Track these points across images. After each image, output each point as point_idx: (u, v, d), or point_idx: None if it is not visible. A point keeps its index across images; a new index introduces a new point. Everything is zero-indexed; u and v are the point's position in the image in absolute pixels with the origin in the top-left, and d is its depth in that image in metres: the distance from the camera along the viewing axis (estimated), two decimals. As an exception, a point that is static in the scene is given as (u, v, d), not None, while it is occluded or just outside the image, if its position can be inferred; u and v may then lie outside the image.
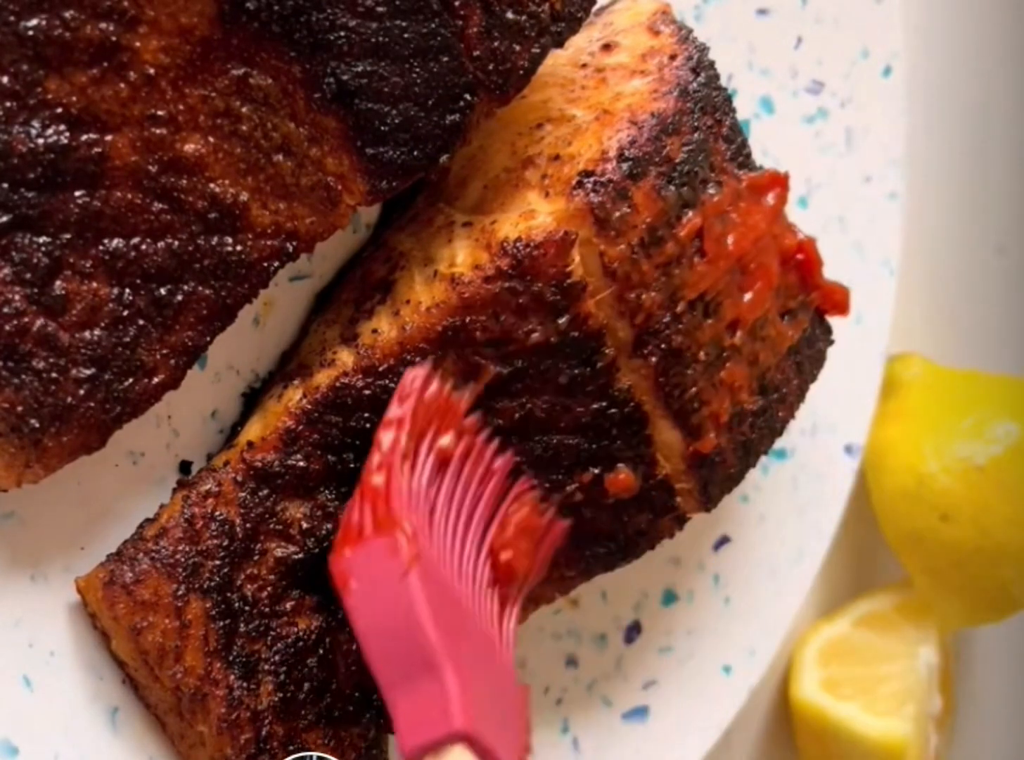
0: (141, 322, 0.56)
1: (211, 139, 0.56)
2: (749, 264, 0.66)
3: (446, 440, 0.61)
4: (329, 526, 0.63)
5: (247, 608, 0.61)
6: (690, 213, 0.64)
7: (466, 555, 0.61)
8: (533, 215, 0.62)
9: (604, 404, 0.63)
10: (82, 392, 0.55)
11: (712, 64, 0.67)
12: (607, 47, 0.67)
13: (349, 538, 0.58)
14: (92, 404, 0.56)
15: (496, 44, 0.59)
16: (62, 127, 0.53)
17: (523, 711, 0.61)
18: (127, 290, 0.56)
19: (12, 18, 0.52)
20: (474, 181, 0.66)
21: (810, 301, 0.70)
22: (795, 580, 0.80)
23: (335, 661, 0.63)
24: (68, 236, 0.54)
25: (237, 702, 0.61)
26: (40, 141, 0.53)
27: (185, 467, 0.64)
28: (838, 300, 0.71)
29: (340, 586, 0.58)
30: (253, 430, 0.63)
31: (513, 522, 0.62)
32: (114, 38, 0.53)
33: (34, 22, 0.52)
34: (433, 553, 0.58)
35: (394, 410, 0.60)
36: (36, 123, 0.53)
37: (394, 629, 0.57)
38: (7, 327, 0.53)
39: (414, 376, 0.60)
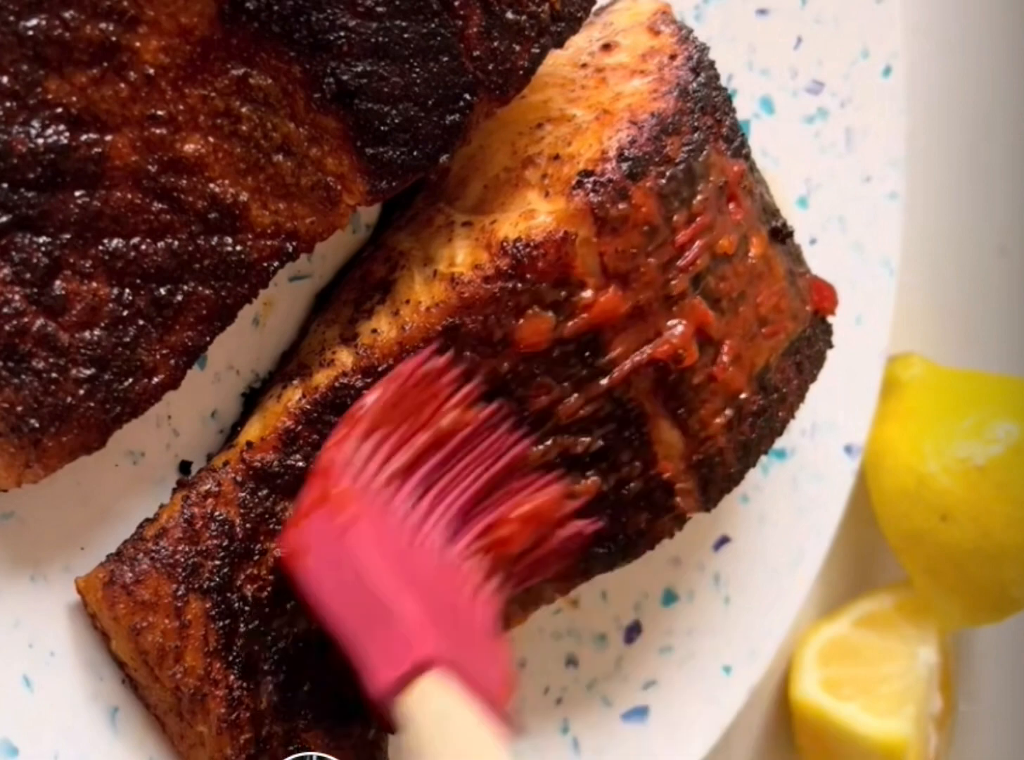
0: (141, 322, 0.56)
1: (211, 139, 0.56)
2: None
3: (448, 420, 0.61)
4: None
5: (247, 608, 0.61)
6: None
7: (444, 526, 0.61)
8: (533, 215, 0.62)
9: (603, 404, 0.63)
10: (82, 392, 0.55)
11: (712, 64, 0.67)
12: (607, 47, 0.67)
13: (293, 521, 0.59)
14: (92, 404, 0.56)
15: (496, 44, 0.59)
16: (62, 127, 0.53)
17: (504, 661, 0.61)
18: (127, 290, 0.56)
19: (12, 18, 0.52)
20: (474, 181, 0.66)
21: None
22: (795, 580, 0.80)
23: (335, 661, 0.63)
24: (68, 236, 0.54)
25: (237, 702, 0.61)
26: (40, 141, 0.53)
27: (185, 467, 0.64)
28: (826, 296, 0.71)
29: (294, 572, 0.58)
30: (253, 430, 0.63)
31: (529, 503, 0.62)
32: (114, 38, 0.53)
33: (34, 22, 0.52)
34: (388, 517, 0.59)
35: (376, 387, 0.60)
36: (36, 123, 0.53)
37: (347, 586, 0.57)
38: (7, 327, 0.53)
39: (414, 357, 0.61)
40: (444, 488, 0.61)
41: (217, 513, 0.61)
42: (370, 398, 0.60)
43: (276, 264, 0.58)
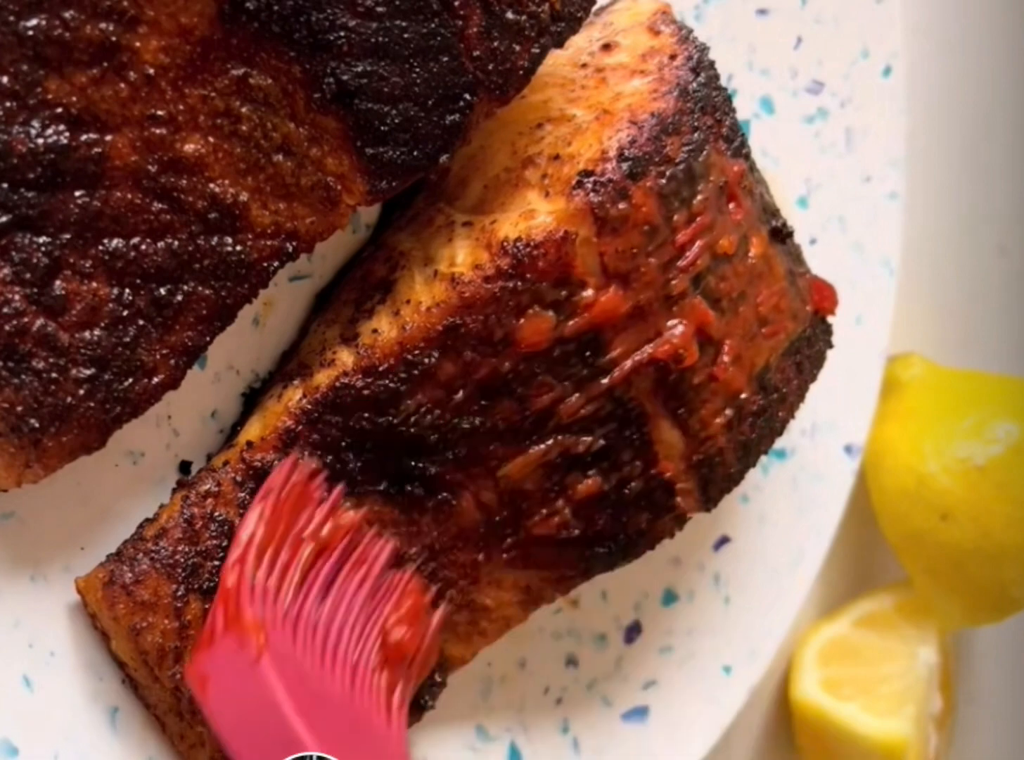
0: (141, 322, 0.56)
1: (211, 139, 0.56)
2: (749, 264, 0.66)
3: (324, 530, 0.61)
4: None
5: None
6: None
7: (346, 640, 0.61)
8: (533, 215, 0.62)
9: (604, 404, 0.63)
10: (82, 392, 0.55)
11: (712, 64, 0.67)
12: (607, 47, 0.67)
13: (201, 644, 0.58)
14: (92, 404, 0.56)
15: (496, 44, 0.59)
16: (62, 127, 0.53)
17: None
18: (127, 290, 0.56)
19: (12, 18, 0.52)
20: (474, 181, 0.66)
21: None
22: (795, 580, 0.80)
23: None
24: (68, 236, 0.54)
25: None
26: (40, 141, 0.53)
27: (185, 467, 0.64)
28: (826, 296, 0.71)
29: (198, 694, 0.57)
30: (252, 430, 0.63)
31: (405, 605, 0.63)
32: (114, 38, 0.53)
33: (34, 22, 0.52)
34: (294, 641, 0.59)
35: (254, 505, 0.60)
36: (36, 123, 0.53)
37: (253, 720, 0.56)
38: (7, 327, 0.53)
39: (280, 469, 0.61)
40: (338, 597, 0.61)
41: (217, 513, 0.61)
42: (251, 518, 0.60)
43: (276, 264, 0.58)
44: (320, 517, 0.61)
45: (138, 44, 0.54)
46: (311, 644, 0.59)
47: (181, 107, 0.55)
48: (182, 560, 0.60)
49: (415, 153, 0.58)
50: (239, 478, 0.61)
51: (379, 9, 0.56)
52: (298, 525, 0.60)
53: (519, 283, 0.61)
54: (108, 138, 0.54)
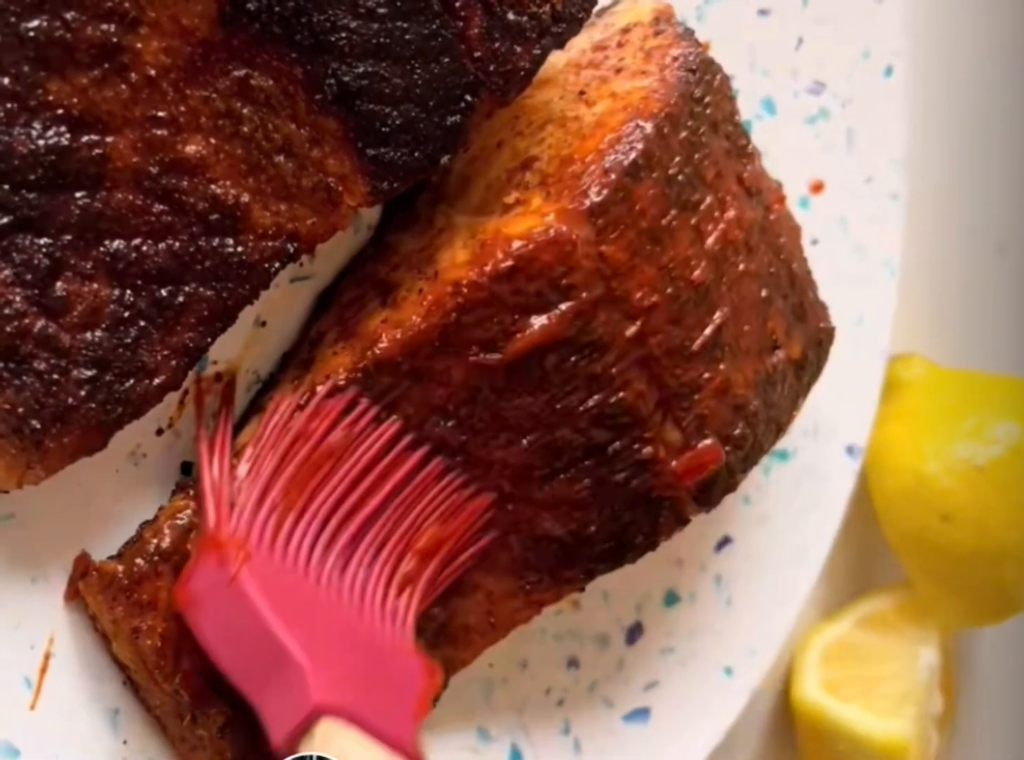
0: (142, 323, 0.56)
1: (212, 140, 0.56)
2: (751, 265, 0.66)
3: (334, 437, 0.61)
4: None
5: (248, 610, 0.61)
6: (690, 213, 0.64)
7: (358, 544, 0.60)
8: (534, 215, 0.62)
9: (603, 403, 0.63)
10: (83, 393, 0.55)
11: (713, 64, 0.67)
12: (608, 48, 0.67)
13: (186, 569, 0.58)
14: (93, 405, 0.55)
15: (497, 45, 0.59)
16: (63, 128, 0.53)
17: (419, 692, 0.60)
18: (128, 291, 0.56)
19: (13, 19, 0.52)
20: (475, 182, 0.66)
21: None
22: (797, 581, 0.80)
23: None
24: (69, 237, 0.54)
25: (236, 705, 0.60)
26: (41, 142, 0.53)
27: (186, 468, 0.63)
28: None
29: (185, 615, 0.57)
30: (253, 432, 0.63)
31: (439, 504, 0.62)
32: (115, 39, 0.53)
33: (35, 23, 0.52)
34: (284, 558, 0.58)
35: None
36: (37, 125, 0.53)
37: (238, 633, 0.56)
38: (8, 328, 0.53)
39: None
40: (352, 508, 0.61)
41: (218, 515, 0.61)
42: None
43: (277, 265, 0.58)
44: (334, 429, 0.60)
45: (139, 45, 0.54)
46: (309, 556, 0.58)
47: (182, 108, 0.55)
48: (182, 562, 0.60)
49: (416, 154, 0.58)
50: (240, 479, 0.61)
51: (380, 10, 0.56)
52: (298, 443, 0.60)
53: (519, 284, 0.61)
54: (109, 139, 0.54)
